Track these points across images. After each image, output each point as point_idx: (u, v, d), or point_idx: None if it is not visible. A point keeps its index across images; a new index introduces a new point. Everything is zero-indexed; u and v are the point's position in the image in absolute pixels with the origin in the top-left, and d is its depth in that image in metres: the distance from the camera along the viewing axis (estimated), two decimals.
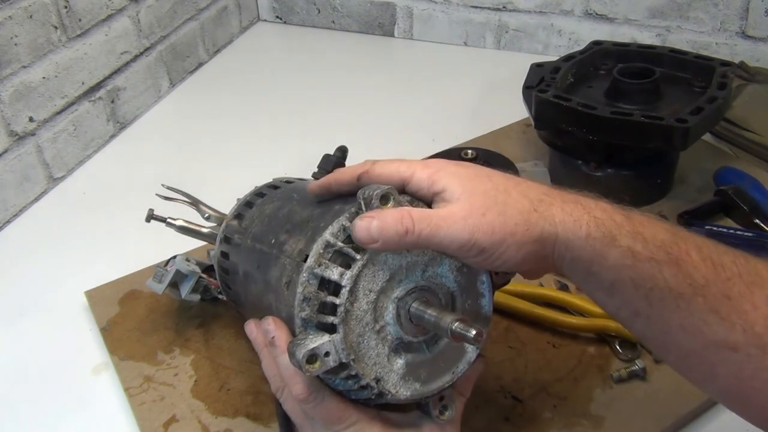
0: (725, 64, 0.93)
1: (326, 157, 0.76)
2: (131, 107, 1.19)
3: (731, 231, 0.83)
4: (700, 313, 0.45)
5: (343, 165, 0.75)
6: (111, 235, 0.94)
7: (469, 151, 0.92)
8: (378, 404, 0.52)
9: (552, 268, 0.50)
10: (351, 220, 0.48)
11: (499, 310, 0.74)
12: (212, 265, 0.70)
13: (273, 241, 0.55)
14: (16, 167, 0.97)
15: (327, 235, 0.49)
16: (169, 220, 0.73)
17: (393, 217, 0.46)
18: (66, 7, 1.01)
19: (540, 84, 0.93)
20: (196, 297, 0.75)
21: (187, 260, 0.73)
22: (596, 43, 1.03)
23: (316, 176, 0.75)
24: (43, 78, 0.99)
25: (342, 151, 0.76)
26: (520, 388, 0.68)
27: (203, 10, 1.34)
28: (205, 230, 0.73)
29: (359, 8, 1.45)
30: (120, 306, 0.80)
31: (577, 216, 0.47)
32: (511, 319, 0.75)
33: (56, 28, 1.01)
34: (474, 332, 0.44)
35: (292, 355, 0.46)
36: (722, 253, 0.46)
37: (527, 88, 0.96)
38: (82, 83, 1.07)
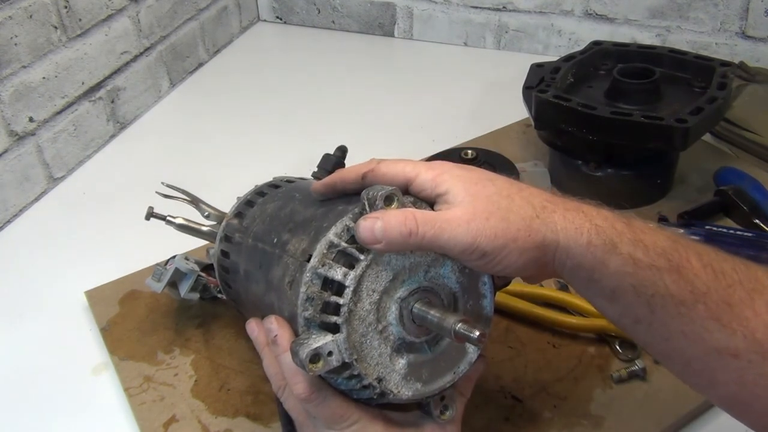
0: (725, 64, 0.93)
1: (326, 156, 0.76)
2: (131, 107, 1.18)
3: (731, 231, 0.83)
4: (701, 320, 0.45)
5: (343, 165, 0.75)
6: (111, 235, 0.94)
7: (469, 151, 0.92)
8: (380, 404, 0.52)
9: (553, 274, 0.50)
10: (355, 220, 0.48)
11: (499, 310, 0.74)
12: (211, 264, 0.70)
13: (275, 240, 0.55)
14: (16, 167, 0.97)
15: (330, 235, 0.49)
16: (168, 218, 0.73)
17: (397, 219, 0.46)
18: (66, 7, 1.01)
19: (540, 84, 0.93)
20: (195, 296, 0.74)
21: (186, 259, 0.73)
22: (596, 43, 1.03)
23: (316, 176, 0.75)
24: (43, 78, 0.99)
25: (342, 151, 0.76)
26: (520, 388, 0.68)
27: (203, 10, 1.34)
28: (204, 228, 0.73)
29: (359, 8, 1.45)
30: (120, 306, 0.80)
31: (579, 224, 0.48)
32: (511, 319, 0.75)
33: (56, 28, 1.00)
34: (477, 333, 0.45)
35: (295, 354, 0.46)
36: (723, 260, 0.47)
37: (527, 88, 0.96)
38: (82, 83, 1.07)
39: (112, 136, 1.15)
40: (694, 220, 0.85)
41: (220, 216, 0.72)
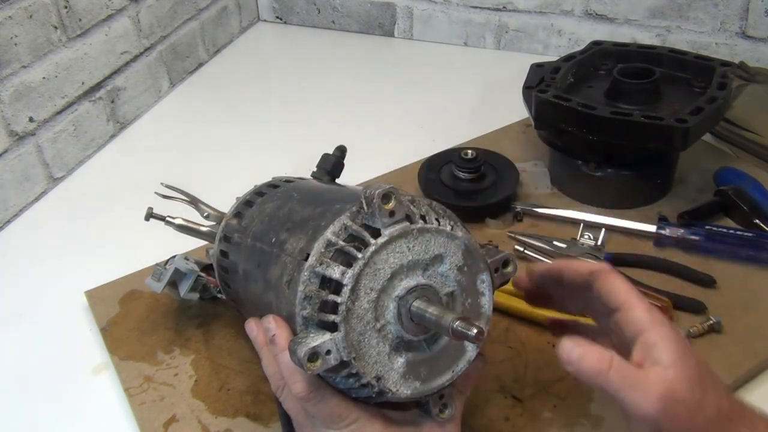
0: (725, 64, 0.93)
1: (325, 156, 0.76)
2: (131, 107, 1.19)
3: (731, 231, 0.83)
4: None
5: (342, 164, 0.75)
6: (111, 235, 0.94)
7: (469, 151, 0.92)
8: (378, 402, 0.52)
9: None
10: (352, 218, 0.49)
11: (499, 310, 0.74)
12: (211, 264, 0.70)
13: (273, 239, 0.55)
14: (16, 167, 0.97)
15: (328, 233, 0.49)
16: (168, 218, 0.73)
17: (594, 356, 0.47)
18: (66, 7, 1.01)
19: (540, 84, 0.93)
20: (195, 296, 0.74)
21: (186, 259, 0.73)
22: (596, 43, 1.03)
23: (315, 176, 0.75)
24: (43, 78, 0.99)
25: (341, 151, 0.76)
26: (520, 388, 0.68)
27: (203, 10, 1.34)
28: (204, 229, 0.73)
29: (359, 8, 1.45)
30: (120, 306, 0.80)
31: None
32: (511, 319, 0.75)
33: (56, 28, 1.01)
34: (475, 331, 0.45)
35: (293, 353, 0.46)
36: None
37: (527, 88, 0.96)
38: (82, 83, 1.07)
39: (112, 136, 1.15)
40: (694, 220, 0.85)
41: (219, 216, 0.72)
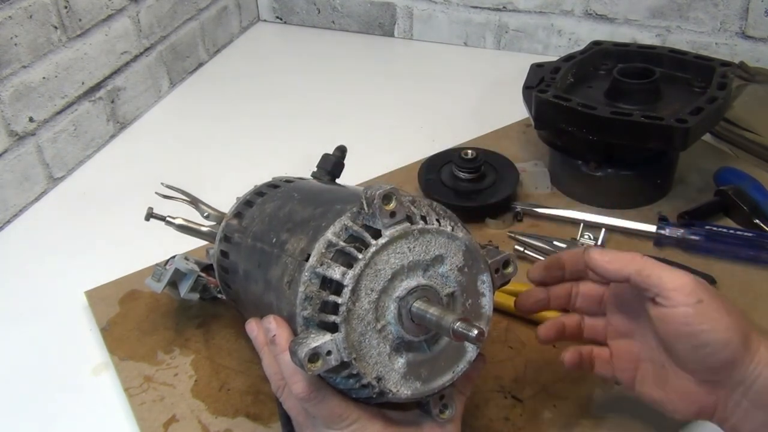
0: (725, 64, 0.93)
1: (325, 156, 0.76)
2: (131, 107, 1.18)
3: (731, 231, 0.83)
4: None
5: (342, 164, 0.75)
6: (111, 235, 0.94)
7: (469, 151, 0.92)
8: (379, 403, 0.52)
9: (709, 407, 0.53)
10: (353, 219, 0.48)
11: (499, 310, 0.74)
12: (211, 264, 0.70)
13: (274, 240, 0.55)
14: (16, 167, 0.97)
15: (329, 234, 0.49)
16: (168, 218, 0.73)
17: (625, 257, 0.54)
18: (66, 7, 1.01)
19: (540, 84, 0.93)
20: (195, 296, 0.74)
21: (186, 259, 0.73)
22: (596, 43, 1.03)
23: (315, 176, 0.75)
24: (43, 78, 0.99)
25: (341, 151, 0.76)
26: (520, 388, 0.68)
27: (203, 10, 1.34)
28: (204, 229, 0.73)
29: (359, 8, 1.45)
30: (120, 306, 0.80)
31: None
32: (511, 319, 0.75)
33: (56, 28, 1.00)
34: (476, 332, 0.45)
35: (293, 353, 0.46)
36: None
37: (527, 88, 0.96)
38: (82, 83, 1.07)
39: (112, 136, 1.15)
40: (694, 220, 0.85)
41: (219, 216, 0.72)
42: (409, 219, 0.49)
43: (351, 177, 0.76)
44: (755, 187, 0.88)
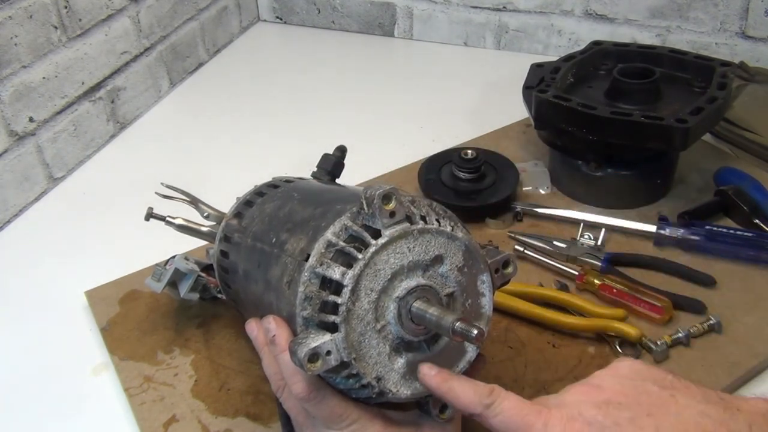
0: (725, 64, 0.93)
1: (325, 156, 0.76)
2: (131, 107, 1.18)
3: (731, 231, 0.83)
4: None
5: (342, 164, 0.75)
6: (111, 235, 0.94)
7: (469, 151, 0.92)
8: (378, 403, 0.52)
9: None
10: (353, 219, 0.48)
11: (499, 310, 0.74)
12: (211, 264, 0.70)
13: (274, 240, 0.55)
14: (16, 167, 0.97)
15: (329, 234, 0.49)
16: (168, 218, 0.73)
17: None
18: (66, 7, 1.01)
19: (540, 84, 0.93)
20: (195, 296, 0.74)
21: (186, 259, 0.73)
22: (596, 43, 1.03)
23: (315, 176, 0.75)
24: (43, 78, 0.99)
25: (341, 151, 0.76)
26: (520, 388, 0.68)
27: (203, 10, 1.34)
28: (204, 229, 0.73)
29: (359, 8, 1.45)
30: (120, 306, 0.80)
31: None
32: (511, 319, 0.75)
33: (56, 28, 1.00)
34: (475, 332, 0.45)
35: (293, 353, 0.46)
36: None
37: (527, 88, 0.96)
38: (82, 83, 1.07)
39: (112, 136, 1.15)
40: (694, 220, 0.85)
41: (219, 216, 0.72)
42: (409, 219, 0.49)
43: (351, 177, 0.76)
44: (755, 187, 0.88)
